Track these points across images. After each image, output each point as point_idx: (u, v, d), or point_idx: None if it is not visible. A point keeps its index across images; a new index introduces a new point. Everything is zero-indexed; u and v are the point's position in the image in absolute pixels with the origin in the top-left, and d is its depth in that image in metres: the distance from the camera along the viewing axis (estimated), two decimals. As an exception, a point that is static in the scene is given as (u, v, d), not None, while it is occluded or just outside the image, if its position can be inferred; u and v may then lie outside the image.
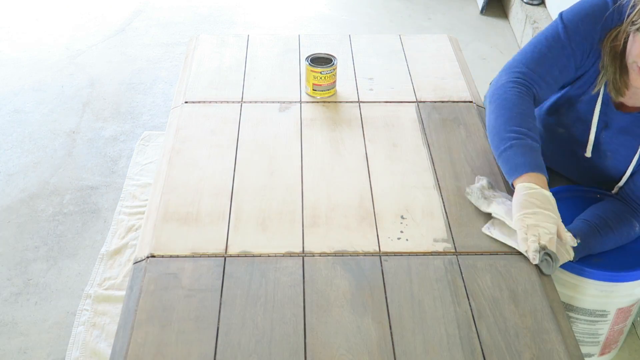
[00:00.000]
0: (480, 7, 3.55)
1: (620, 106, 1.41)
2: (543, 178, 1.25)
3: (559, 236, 1.20)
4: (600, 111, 1.42)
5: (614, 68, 1.34)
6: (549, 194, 1.23)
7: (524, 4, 3.23)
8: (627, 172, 1.44)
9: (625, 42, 1.30)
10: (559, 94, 1.49)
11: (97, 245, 2.07)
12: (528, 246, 1.17)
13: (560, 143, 1.54)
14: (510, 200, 1.24)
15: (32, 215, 2.19)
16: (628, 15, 1.28)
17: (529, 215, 1.18)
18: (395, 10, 3.58)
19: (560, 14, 1.40)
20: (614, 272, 1.43)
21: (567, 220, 1.36)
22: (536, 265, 1.17)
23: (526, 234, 1.17)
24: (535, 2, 3.21)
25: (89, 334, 1.78)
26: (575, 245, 1.22)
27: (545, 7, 3.17)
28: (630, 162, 1.42)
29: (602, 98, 1.41)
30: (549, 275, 1.18)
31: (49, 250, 2.06)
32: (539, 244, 1.17)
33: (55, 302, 1.89)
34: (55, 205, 2.22)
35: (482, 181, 1.31)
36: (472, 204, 1.29)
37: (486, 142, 1.45)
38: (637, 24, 1.23)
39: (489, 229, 1.24)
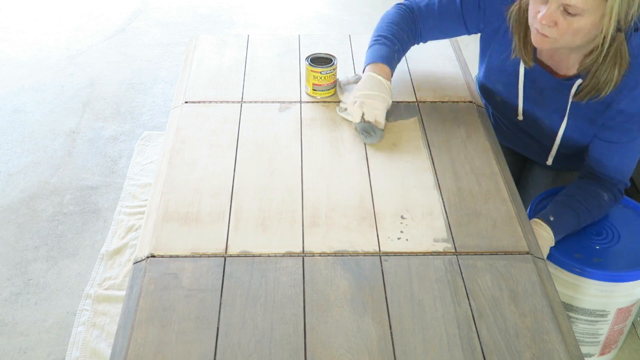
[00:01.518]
0: (480, 7, 3.54)
1: (552, 73, 1.47)
2: (384, 67, 1.48)
3: (376, 121, 1.42)
4: (526, 75, 1.50)
5: (518, 35, 1.43)
6: (384, 79, 1.45)
7: (524, 4, 3.23)
8: (557, 136, 1.52)
9: (527, 9, 1.37)
10: (485, 63, 1.59)
11: (97, 245, 2.07)
12: (354, 116, 1.43)
13: (499, 111, 1.67)
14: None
15: (32, 215, 2.19)
16: None
17: (360, 94, 1.43)
18: (395, 10, 3.58)
19: None
20: (614, 272, 1.43)
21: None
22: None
23: (354, 108, 1.42)
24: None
25: (89, 334, 1.78)
26: (382, 129, 1.43)
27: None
28: (560, 125, 1.50)
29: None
30: (371, 144, 1.42)
31: (49, 250, 2.06)
32: (362, 118, 1.42)
33: (55, 302, 1.89)
34: (55, 205, 2.22)
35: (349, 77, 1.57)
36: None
37: (486, 143, 1.45)
38: None
39: (338, 110, 1.51)
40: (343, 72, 1.65)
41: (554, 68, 1.46)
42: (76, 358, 1.72)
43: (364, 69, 1.50)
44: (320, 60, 1.57)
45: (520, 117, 1.58)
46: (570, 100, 1.44)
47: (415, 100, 1.59)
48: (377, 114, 1.42)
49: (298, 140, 1.45)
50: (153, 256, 1.16)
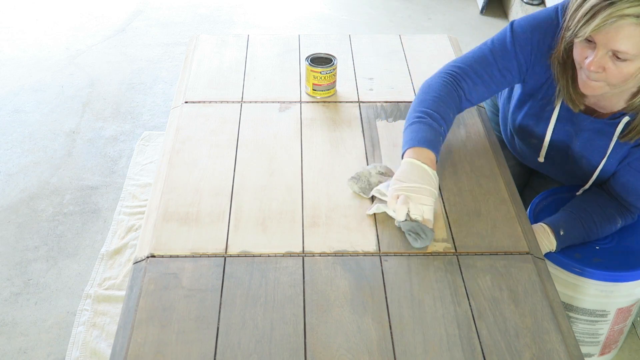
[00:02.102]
0: (480, 7, 3.55)
1: (593, 112, 1.39)
2: (429, 154, 1.26)
3: (424, 219, 1.20)
4: (565, 121, 1.40)
5: (565, 80, 1.33)
6: (429, 168, 1.24)
7: (524, 4, 3.23)
8: (595, 173, 1.43)
9: (571, 52, 1.28)
10: (524, 112, 1.47)
11: (97, 245, 2.07)
12: (398, 214, 1.19)
13: (523, 154, 1.58)
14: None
15: (32, 215, 2.19)
16: (563, 22, 1.26)
17: (404, 186, 1.21)
18: (395, 10, 3.58)
19: (512, 22, 1.40)
20: (614, 272, 1.43)
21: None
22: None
23: (398, 205, 1.19)
24: (535, 2, 3.21)
25: (89, 334, 1.78)
26: (431, 228, 1.21)
27: (545, 7, 3.17)
28: (598, 163, 1.42)
29: (561, 110, 1.40)
30: (423, 248, 1.19)
31: (49, 250, 2.06)
32: (409, 217, 1.19)
33: (55, 302, 1.89)
34: (55, 205, 2.22)
35: (371, 167, 1.32)
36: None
37: (486, 143, 1.45)
38: (570, 29, 1.20)
39: (370, 208, 1.25)
40: (343, 72, 1.65)
41: (596, 108, 1.37)
42: (76, 358, 1.72)
43: (403, 153, 1.29)
44: (320, 60, 1.57)
45: (541, 160, 1.50)
46: (614, 140, 1.36)
47: (415, 100, 1.59)
48: (425, 211, 1.20)
49: (298, 140, 1.45)
50: (153, 256, 1.16)
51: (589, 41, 1.20)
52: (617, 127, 1.35)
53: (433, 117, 1.33)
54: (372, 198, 1.29)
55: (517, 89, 1.48)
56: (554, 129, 1.43)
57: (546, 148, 1.48)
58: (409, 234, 1.19)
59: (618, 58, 1.17)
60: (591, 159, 1.43)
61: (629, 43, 1.14)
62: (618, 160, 1.40)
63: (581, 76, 1.26)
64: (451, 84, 1.39)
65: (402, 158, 1.29)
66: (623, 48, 1.15)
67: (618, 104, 1.34)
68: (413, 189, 1.21)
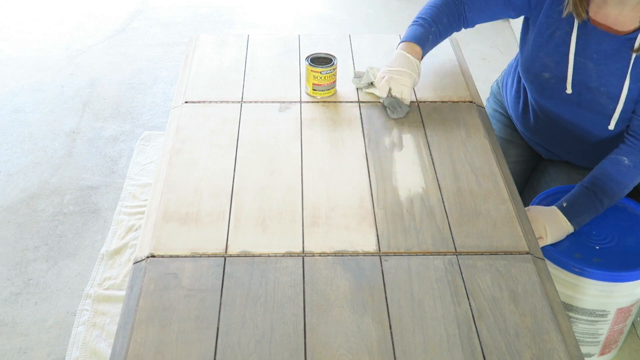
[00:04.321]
0: (480, 7, 3.54)
1: (611, 31, 1.41)
2: (415, 47, 1.52)
3: (402, 97, 1.48)
4: (579, 42, 1.45)
5: None
6: (413, 58, 1.50)
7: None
8: (620, 100, 1.44)
9: None
10: (532, 38, 1.53)
11: (97, 245, 2.07)
12: (381, 90, 1.50)
13: (545, 91, 1.58)
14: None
15: (32, 215, 2.19)
16: None
17: (389, 69, 1.49)
18: (395, 10, 3.58)
19: None
20: (614, 272, 1.43)
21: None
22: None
23: (382, 83, 1.49)
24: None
25: (89, 334, 1.78)
26: (408, 105, 1.50)
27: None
28: (621, 90, 1.43)
29: (577, 25, 1.44)
30: (397, 118, 1.50)
31: (49, 250, 2.06)
32: (389, 93, 1.48)
33: (55, 302, 1.89)
34: (55, 205, 2.22)
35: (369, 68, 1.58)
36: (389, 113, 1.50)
37: (486, 142, 1.45)
38: None
39: (356, 83, 1.60)
40: (343, 72, 1.65)
41: (612, 26, 1.41)
42: (76, 358, 1.72)
43: (397, 47, 1.54)
44: (320, 60, 1.57)
45: (569, 90, 1.51)
46: (633, 56, 1.39)
47: (415, 100, 1.59)
48: (403, 90, 1.48)
49: (298, 140, 1.45)
50: (153, 256, 1.16)
51: None
52: (634, 43, 1.37)
53: (425, 20, 1.56)
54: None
55: (531, 31, 1.55)
56: (574, 54, 1.46)
57: (571, 76, 1.49)
58: (388, 108, 1.50)
59: None
60: (612, 83, 1.43)
61: None
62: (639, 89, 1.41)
63: None
64: (453, 2, 1.58)
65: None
66: None
67: (632, 23, 1.37)
68: (396, 71, 1.48)
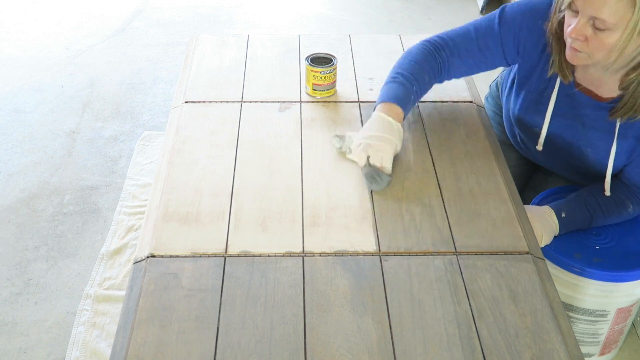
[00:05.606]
0: (480, 7, 3.55)
1: (594, 97, 1.39)
2: (396, 109, 1.36)
3: (382, 166, 1.31)
4: (564, 106, 1.42)
5: (558, 52, 1.36)
6: (394, 121, 1.34)
7: (524, 4, 3.23)
8: (609, 165, 1.43)
9: (563, 24, 1.31)
10: (521, 98, 1.49)
11: (97, 245, 2.07)
12: (358, 160, 1.33)
13: (526, 145, 1.57)
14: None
15: (32, 215, 2.19)
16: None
17: (367, 135, 1.33)
18: (395, 10, 3.58)
19: (504, 5, 1.43)
20: (614, 272, 1.43)
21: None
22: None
23: (359, 151, 1.32)
24: (535, 2, 3.21)
25: (89, 334, 1.78)
26: (389, 175, 1.32)
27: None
28: (609, 154, 1.41)
29: (560, 86, 1.42)
30: (378, 191, 1.31)
31: (49, 250, 2.06)
32: (368, 162, 1.31)
33: (55, 302, 1.89)
34: (55, 205, 2.22)
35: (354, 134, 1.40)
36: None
37: (486, 142, 1.45)
38: (563, 3, 1.26)
39: (336, 144, 1.40)
40: (343, 72, 1.65)
41: (595, 91, 1.38)
42: (76, 358, 1.72)
43: (375, 108, 1.39)
44: (320, 60, 1.57)
45: (540, 147, 1.50)
46: (618, 123, 1.35)
47: (415, 100, 1.59)
48: (383, 158, 1.31)
49: (298, 140, 1.45)
50: (153, 256, 1.16)
51: (575, 11, 1.23)
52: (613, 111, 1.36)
53: (407, 77, 1.41)
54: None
55: (514, 74, 1.51)
56: (552, 115, 1.44)
57: (544, 135, 1.48)
58: (366, 178, 1.31)
59: (597, 28, 1.20)
60: (595, 152, 1.43)
61: (607, 11, 1.17)
62: (629, 150, 1.39)
63: (568, 46, 1.30)
64: (430, 52, 1.45)
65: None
66: (602, 16, 1.18)
67: (615, 90, 1.35)
68: (375, 137, 1.32)
